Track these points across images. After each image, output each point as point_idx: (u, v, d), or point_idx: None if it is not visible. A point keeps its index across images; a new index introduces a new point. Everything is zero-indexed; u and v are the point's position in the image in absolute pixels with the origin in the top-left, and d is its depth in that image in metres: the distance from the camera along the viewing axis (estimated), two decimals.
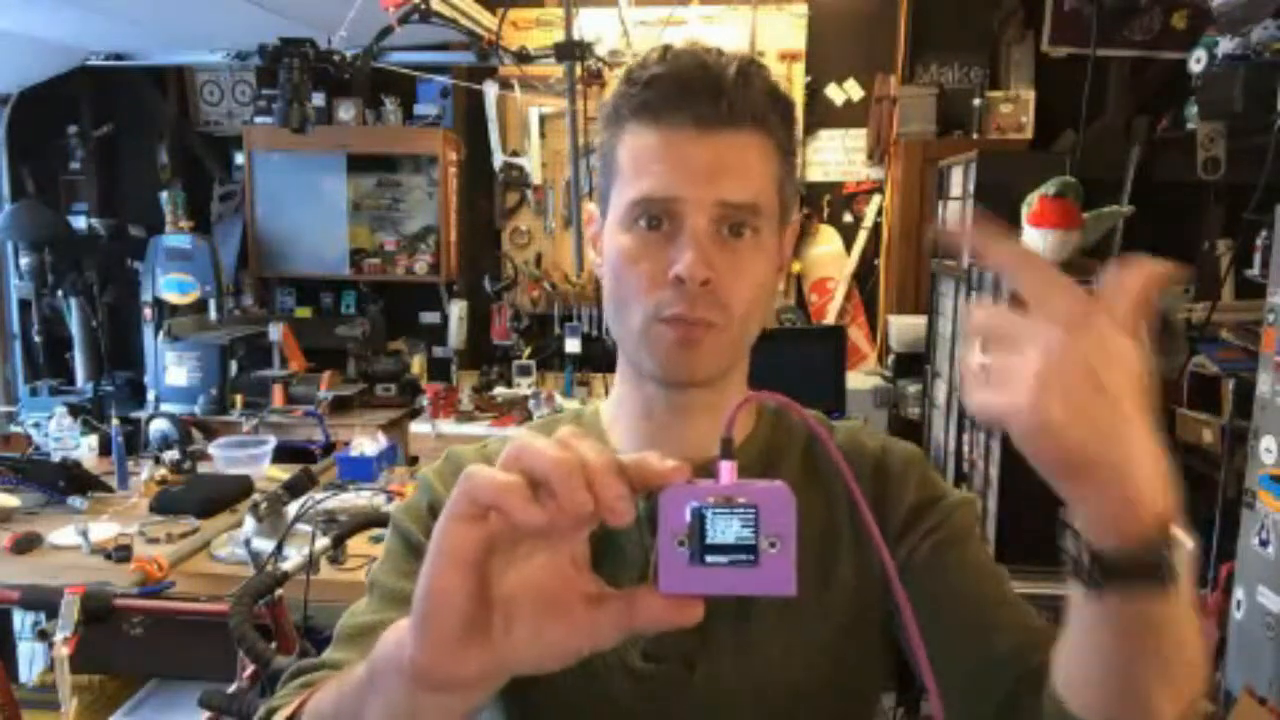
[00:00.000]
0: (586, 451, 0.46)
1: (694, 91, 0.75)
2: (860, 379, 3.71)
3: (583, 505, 0.45)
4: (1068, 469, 0.52)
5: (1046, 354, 0.49)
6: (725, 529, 0.46)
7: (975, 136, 3.76)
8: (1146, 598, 0.54)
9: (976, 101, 3.75)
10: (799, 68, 4.02)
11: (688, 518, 0.46)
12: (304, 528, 1.83)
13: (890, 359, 3.84)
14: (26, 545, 2.29)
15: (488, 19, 3.16)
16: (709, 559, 0.46)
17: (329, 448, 3.45)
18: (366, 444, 2.91)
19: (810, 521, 0.81)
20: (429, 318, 4.47)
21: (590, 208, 0.86)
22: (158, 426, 3.32)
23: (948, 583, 0.78)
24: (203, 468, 2.95)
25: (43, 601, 1.88)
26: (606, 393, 3.91)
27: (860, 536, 0.82)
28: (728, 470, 0.48)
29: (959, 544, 0.81)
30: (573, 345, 4.13)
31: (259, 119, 4.25)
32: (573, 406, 3.86)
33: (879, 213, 4.06)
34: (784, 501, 0.47)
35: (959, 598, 0.77)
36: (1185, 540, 0.53)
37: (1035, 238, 2.17)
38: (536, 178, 4.20)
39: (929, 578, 0.79)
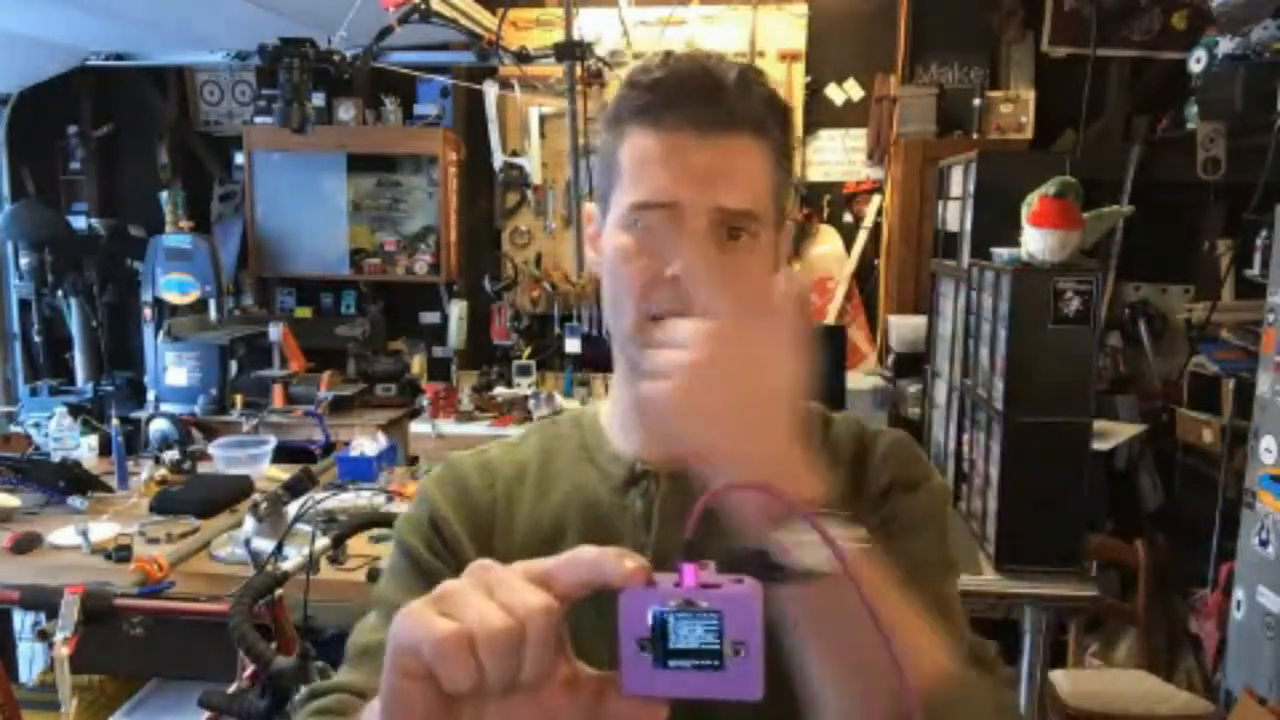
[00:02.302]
0: (525, 609, 0.46)
1: (694, 95, 0.75)
2: (860, 379, 3.71)
3: (512, 676, 0.45)
4: (695, 458, 0.55)
5: (682, 363, 0.54)
6: (688, 634, 0.45)
7: (975, 136, 3.75)
8: (803, 595, 0.53)
9: (976, 101, 3.75)
10: (799, 68, 4.02)
11: (649, 621, 0.45)
12: (304, 528, 1.83)
13: (890, 359, 3.84)
14: (26, 545, 2.29)
15: (488, 19, 3.16)
16: (672, 663, 0.45)
17: (329, 448, 3.45)
18: (366, 444, 2.91)
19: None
20: (429, 318, 4.46)
21: (590, 208, 0.87)
22: (158, 426, 3.32)
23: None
24: (203, 468, 2.95)
25: (43, 601, 1.88)
26: (607, 392, 3.90)
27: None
28: (690, 573, 0.46)
29: (908, 534, 0.78)
30: (573, 345, 4.13)
31: (259, 119, 4.25)
32: (573, 406, 3.86)
33: (879, 213, 4.06)
34: (749, 605, 0.45)
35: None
36: (834, 535, 0.51)
37: (1035, 238, 2.16)
38: (536, 178, 4.20)
39: None
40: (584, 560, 0.47)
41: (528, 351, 4.21)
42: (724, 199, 0.75)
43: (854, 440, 0.86)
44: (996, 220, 2.54)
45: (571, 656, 0.50)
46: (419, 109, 4.23)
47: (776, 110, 0.80)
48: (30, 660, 2.85)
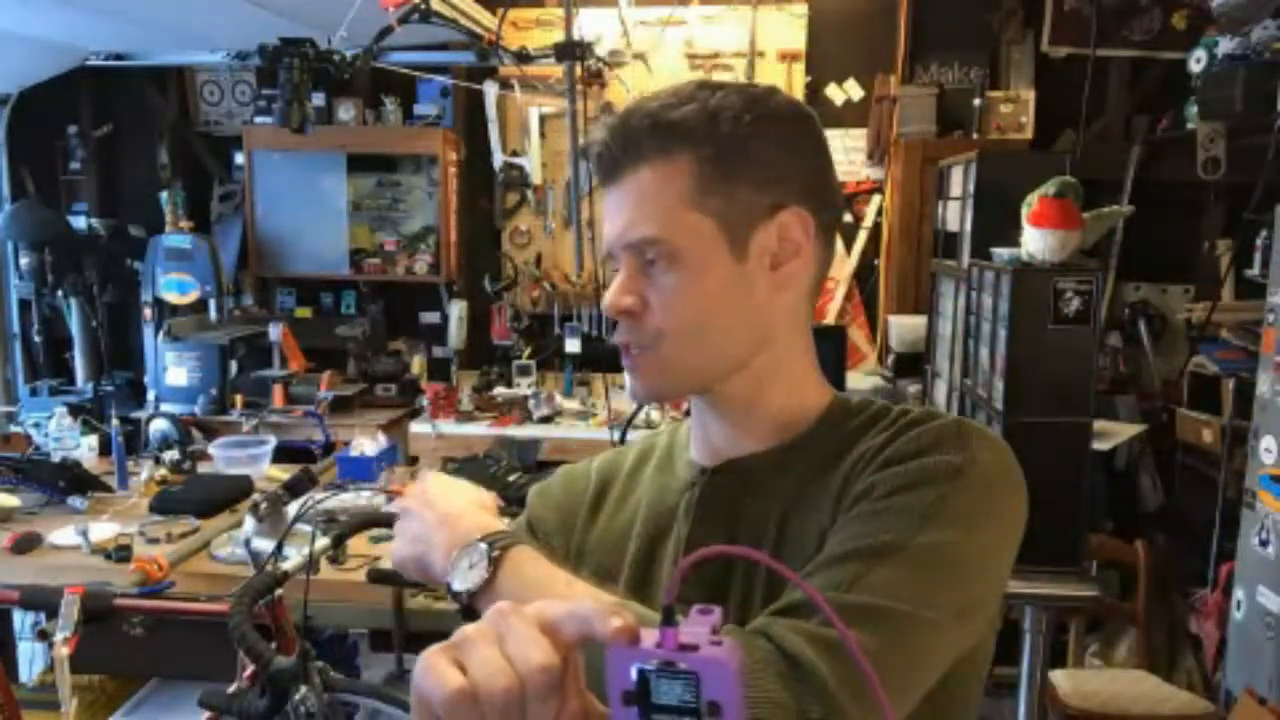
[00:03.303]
0: (527, 667, 0.48)
1: (606, 145, 0.81)
2: (860, 379, 3.71)
3: None
4: None
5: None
6: (669, 692, 0.48)
7: (975, 136, 3.76)
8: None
9: (976, 101, 3.75)
10: (799, 68, 4.02)
11: (634, 677, 0.48)
12: (304, 528, 1.83)
13: (890, 359, 3.84)
14: (26, 545, 2.29)
15: (488, 19, 3.16)
16: (656, 717, 0.48)
17: (329, 448, 3.45)
18: (366, 444, 2.92)
19: (818, 512, 0.79)
20: (429, 318, 4.46)
21: None
22: (158, 426, 3.32)
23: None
24: (203, 468, 2.95)
25: (43, 601, 1.88)
26: (606, 393, 3.88)
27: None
28: (669, 636, 0.49)
29: (847, 515, 0.75)
30: (572, 345, 4.13)
31: (259, 119, 4.25)
32: (573, 406, 3.86)
33: (879, 213, 4.06)
34: (725, 670, 0.47)
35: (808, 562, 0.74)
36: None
37: (1035, 238, 2.16)
38: (536, 178, 4.20)
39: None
40: (579, 614, 0.50)
41: (528, 351, 4.21)
42: (627, 235, 0.80)
43: (873, 419, 0.83)
44: (996, 220, 2.55)
45: (583, 691, 0.52)
46: (419, 109, 4.23)
47: (672, 122, 0.77)
48: (30, 660, 2.85)
